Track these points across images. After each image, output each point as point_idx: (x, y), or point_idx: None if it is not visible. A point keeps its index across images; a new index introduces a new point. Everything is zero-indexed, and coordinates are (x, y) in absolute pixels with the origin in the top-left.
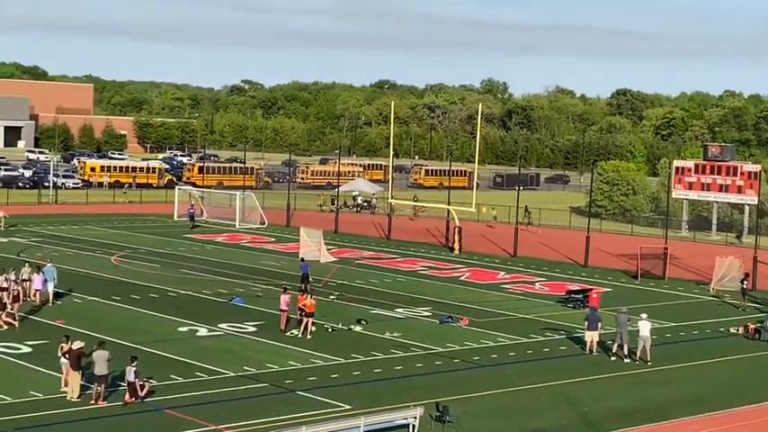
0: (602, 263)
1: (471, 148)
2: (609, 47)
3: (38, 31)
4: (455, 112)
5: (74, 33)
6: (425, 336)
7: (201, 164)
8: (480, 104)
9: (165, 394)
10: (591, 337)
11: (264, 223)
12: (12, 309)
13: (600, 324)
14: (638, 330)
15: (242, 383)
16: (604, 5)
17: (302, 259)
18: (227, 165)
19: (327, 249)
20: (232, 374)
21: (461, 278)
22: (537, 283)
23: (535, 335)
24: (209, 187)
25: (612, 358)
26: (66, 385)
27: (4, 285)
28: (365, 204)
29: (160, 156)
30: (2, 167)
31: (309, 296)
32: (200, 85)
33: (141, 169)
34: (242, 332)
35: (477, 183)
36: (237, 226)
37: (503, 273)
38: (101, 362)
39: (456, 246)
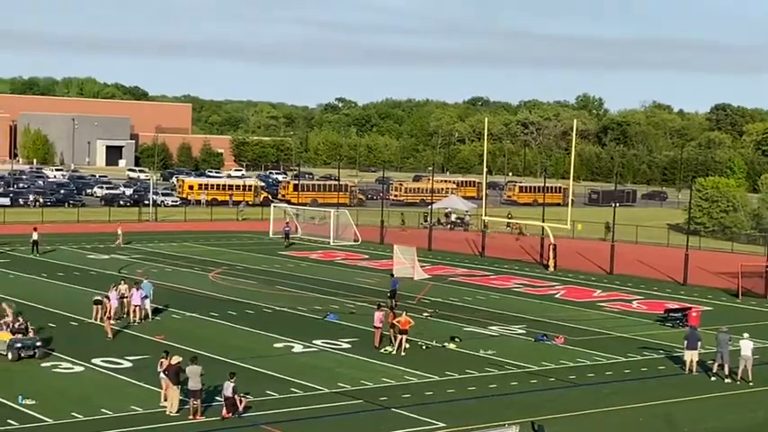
0: (702, 281)
1: (566, 165)
2: (708, 61)
3: (139, 52)
4: (549, 128)
5: (173, 55)
6: (520, 354)
7: (296, 181)
8: (575, 120)
9: (261, 410)
10: (690, 356)
11: (358, 240)
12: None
13: (699, 343)
14: (739, 350)
15: (336, 400)
16: (703, 19)
17: (392, 275)
18: (322, 182)
19: (421, 266)
20: (327, 391)
21: (557, 296)
22: (634, 302)
23: (633, 354)
24: (304, 204)
25: (713, 378)
26: (165, 400)
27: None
28: (458, 221)
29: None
30: (104, 186)
31: (404, 313)
32: (295, 104)
33: (238, 187)
34: (336, 349)
35: (572, 199)
36: (332, 243)
37: (599, 290)
38: (194, 377)
39: (551, 263)
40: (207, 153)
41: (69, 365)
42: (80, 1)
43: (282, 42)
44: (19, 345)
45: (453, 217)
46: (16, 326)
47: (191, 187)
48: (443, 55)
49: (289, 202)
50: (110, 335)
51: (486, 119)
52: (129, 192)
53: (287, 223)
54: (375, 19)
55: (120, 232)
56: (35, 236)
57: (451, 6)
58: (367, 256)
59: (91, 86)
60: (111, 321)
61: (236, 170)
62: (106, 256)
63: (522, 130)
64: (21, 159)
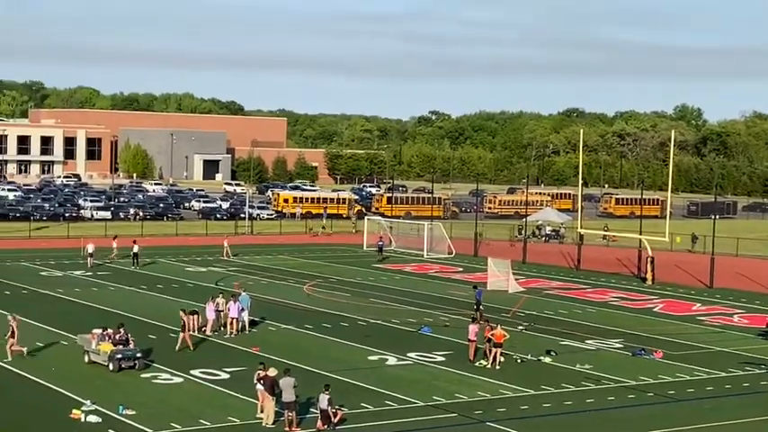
0: None
1: (663, 176)
2: None
3: (235, 67)
4: (646, 139)
5: (268, 69)
6: (617, 368)
7: (390, 194)
8: (673, 131)
9: (355, 422)
10: None
11: (452, 253)
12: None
13: None
14: None
15: (431, 413)
16: None
17: (475, 287)
18: (415, 195)
19: (516, 279)
20: (421, 404)
21: (654, 309)
22: (735, 316)
23: (734, 369)
24: (398, 217)
25: None
26: (261, 411)
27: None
28: (553, 234)
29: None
30: (201, 199)
31: (498, 326)
32: (389, 117)
33: (332, 200)
34: (430, 362)
35: (670, 211)
36: (425, 256)
37: (698, 304)
38: (288, 389)
39: (648, 276)
40: (301, 166)
41: (168, 376)
42: (179, 17)
43: (376, 56)
44: (120, 356)
45: (548, 229)
46: (117, 337)
47: (286, 200)
48: (538, 66)
49: (382, 215)
50: (190, 346)
51: (582, 130)
52: (225, 205)
53: (380, 237)
54: (469, 32)
55: (226, 244)
56: (135, 248)
57: (545, 17)
58: (461, 269)
59: (188, 102)
60: (209, 333)
61: (309, 184)
62: (204, 269)
63: (618, 142)
64: (121, 174)
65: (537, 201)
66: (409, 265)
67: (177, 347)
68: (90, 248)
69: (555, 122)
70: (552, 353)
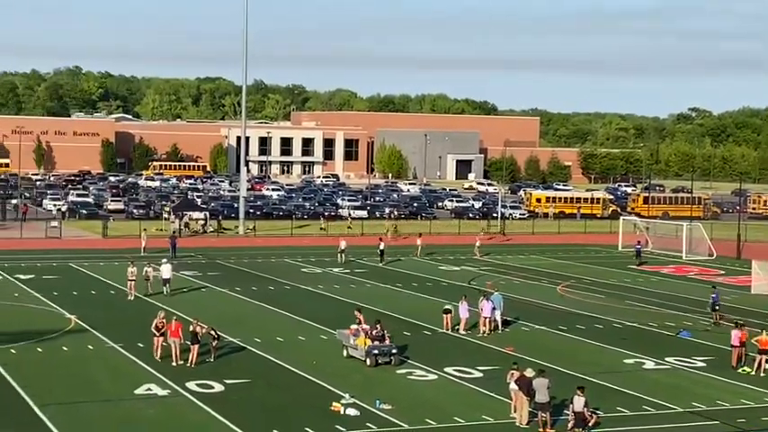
0: None
1: None
2: None
3: (489, 68)
4: None
5: (522, 69)
6: None
7: (646, 194)
8: None
9: (610, 426)
10: None
11: (713, 255)
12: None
13: None
14: None
15: (690, 420)
16: None
17: (714, 286)
18: (673, 195)
19: None
20: (680, 410)
21: None
22: None
23: None
24: (654, 218)
25: None
26: (515, 411)
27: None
28: None
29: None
30: (454, 199)
31: (763, 332)
32: (645, 115)
33: (585, 200)
34: (690, 367)
35: None
36: (684, 258)
37: None
38: (541, 389)
39: None
40: (554, 166)
41: (423, 373)
42: (433, 20)
43: (633, 53)
44: (376, 351)
45: None
46: (374, 333)
47: (538, 200)
48: None
49: (638, 215)
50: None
51: None
52: (477, 205)
53: (638, 241)
54: (733, 26)
55: (478, 244)
56: (382, 246)
57: None
58: (723, 272)
59: (442, 103)
60: (462, 332)
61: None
62: (456, 268)
63: None
64: (377, 174)
65: None
66: (667, 267)
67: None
68: (342, 245)
69: None
70: None
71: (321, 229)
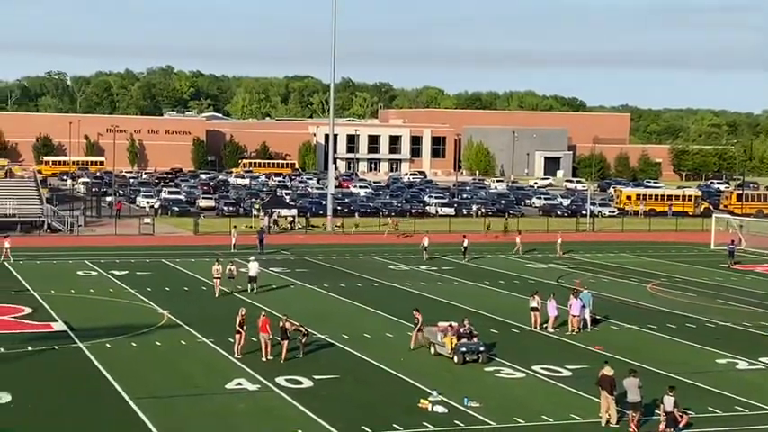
0: None
1: None
2: None
3: (578, 64)
4: None
5: (612, 65)
6: None
7: (740, 191)
8: None
9: (702, 426)
10: None
11: None
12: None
13: None
14: None
15: None
16: None
17: None
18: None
19: None
20: None
21: None
22: None
23: None
24: (748, 215)
25: None
26: (605, 411)
27: (552, 309)
28: None
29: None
30: (542, 196)
31: None
32: (739, 111)
33: (677, 197)
34: None
35: None
36: None
37: None
38: (632, 389)
39: None
40: (644, 163)
41: (511, 371)
42: (522, 17)
43: (726, 48)
44: (464, 349)
45: None
46: (462, 330)
47: (628, 198)
48: None
49: (731, 213)
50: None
51: None
52: (566, 202)
53: (732, 241)
54: None
55: (560, 241)
56: (465, 243)
57: None
58: None
59: (530, 99)
60: (551, 330)
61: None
62: (544, 266)
63: None
64: (464, 171)
65: None
66: (761, 266)
67: (412, 346)
68: (425, 242)
69: None
70: None
71: (396, 229)
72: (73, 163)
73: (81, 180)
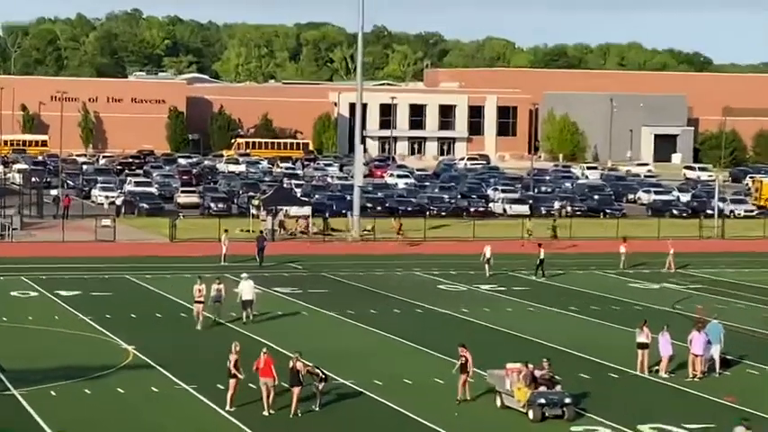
0: None
1: None
2: None
3: (700, 7)
4: None
5: (748, 6)
6: None
7: None
8: None
9: None
10: None
11: None
12: None
13: None
14: None
15: None
16: None
17: None
18: None
19: None
20: None
21: None
22: None
23: None
24: None
25: None
26: None
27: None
28: None
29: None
30: (651, 189)
31: None
32: None
33: None
34: None
35: None
36: None
37: None
38: None
39: None
40: None
41: (609, 431)
42: None
43: None
44: (543, 400)
45: None
46: (539, 375)
47: None
48: None
49: None
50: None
51: None
52: (685, 198)
53: None
54: None
55: (671, 251)
56: (542, 254)
57: None
58: None
59: (635, 55)
60: (663, 374)
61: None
62: (655, 286)
63: None
64: (543, 154)
65: None
66: None
67: (459, 396)
68: (487, 252)
69: None
70: None
71: (399, 233)
72: (5, 143)
73: (16, 167)
